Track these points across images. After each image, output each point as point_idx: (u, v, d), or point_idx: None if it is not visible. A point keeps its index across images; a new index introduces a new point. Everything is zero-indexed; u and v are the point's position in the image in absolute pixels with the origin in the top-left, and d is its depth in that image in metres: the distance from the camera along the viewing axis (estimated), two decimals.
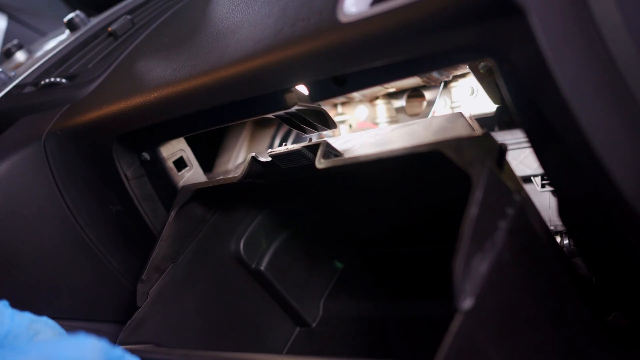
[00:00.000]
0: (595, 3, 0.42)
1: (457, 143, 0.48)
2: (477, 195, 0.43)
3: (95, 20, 0.97)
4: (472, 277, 0.41)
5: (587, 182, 0.45)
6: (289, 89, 0.61)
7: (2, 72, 0.97)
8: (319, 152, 0.61)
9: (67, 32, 1.04)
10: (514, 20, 0.40)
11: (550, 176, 0.51)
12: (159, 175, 0.78)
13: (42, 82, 0.87)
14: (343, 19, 0.49)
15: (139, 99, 0.69)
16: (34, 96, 0.87)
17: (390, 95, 0.98)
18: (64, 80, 0.85)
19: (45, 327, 0.55)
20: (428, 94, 0.93)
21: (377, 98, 0.98)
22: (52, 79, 0.86)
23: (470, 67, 0.74)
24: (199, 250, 0.75)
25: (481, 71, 0.72)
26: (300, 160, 0.65)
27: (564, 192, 0.50)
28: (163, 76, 0.69)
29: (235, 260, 0.78)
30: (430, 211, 0.74)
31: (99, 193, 0.78)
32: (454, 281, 0.41)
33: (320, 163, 0.61)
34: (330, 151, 0.63)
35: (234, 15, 0.66)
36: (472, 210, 0.43)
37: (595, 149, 0.42)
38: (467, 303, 0.40)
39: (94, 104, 0.76)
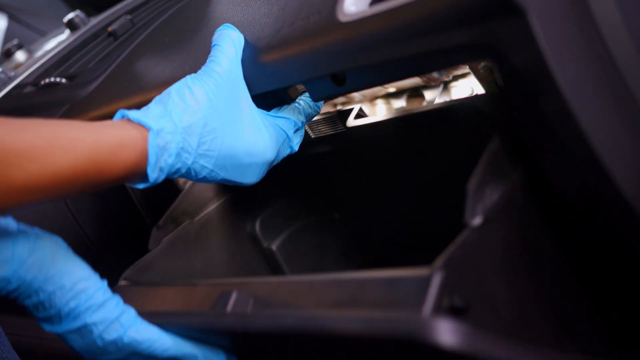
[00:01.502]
0: (595, 3, 0.42)
1: (490, 97, 0.54)
2: (501, 129, 0.45)
3: (95, 20, 0.97)
4: (484, 200, 0.42)
5: (587, 182, 0.45)
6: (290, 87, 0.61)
7: (2, 72, 0.97)
8: (352, 114, 0.65)
9: (67, 32, 1.04)
10: (514, 20, 0.40)
11: (550, 176, 0.51)
12: None
13: (42, 82, 0.87)
14: (342, 18, 0.49)
15: (139, 99, 0.69)
16: (34, 96, 0.87)
17: (390, 95, 0.98)
18: (64, 80, 0.85)
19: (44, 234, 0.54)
20: (428, 94, 0.93)
21: (377, 98, 0.98)
22: (52, 79, 0.86)
23: (470, 67, 0.74)
24: (217, 216, 0.76)
25: (481, 71, 0.72)
26: (334, 125, 0.67)
27: (564, 192, 0.50)
28: (163, 76, 0.68)
29: (249, 236, 0.79)
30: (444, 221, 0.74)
31: (99, 193, 0.78)
32: (467, 199, 0.41)
33: (352, 122, 0.64)
34: (362, 114, 0.67)
35: (234, 15, 0.66)
36: (495, 142, 0.44)
37: (595, 149, 0.42)
38: (476, 220, 0.41)
39: (94, 104, 0.76)
